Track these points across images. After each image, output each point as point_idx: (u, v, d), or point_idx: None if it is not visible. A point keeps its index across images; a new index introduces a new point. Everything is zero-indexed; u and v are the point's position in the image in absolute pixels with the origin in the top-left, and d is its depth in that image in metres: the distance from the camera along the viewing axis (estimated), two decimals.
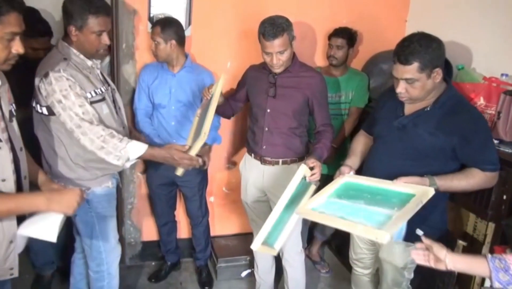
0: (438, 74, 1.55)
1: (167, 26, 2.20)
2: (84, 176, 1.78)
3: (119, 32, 2.35)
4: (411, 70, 1.52)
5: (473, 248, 1.96)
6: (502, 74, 1.96)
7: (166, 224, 2.65)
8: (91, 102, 1.69)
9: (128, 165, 1.72)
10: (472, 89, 1.97)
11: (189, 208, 2.62)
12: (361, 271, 2.07)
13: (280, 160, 2.13)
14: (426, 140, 1.60)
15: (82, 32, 1.67)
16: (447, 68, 2.39)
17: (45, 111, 1.68)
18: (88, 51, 1.73)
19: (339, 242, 2.97)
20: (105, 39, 1.73)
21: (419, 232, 1.69)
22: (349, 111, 2.60)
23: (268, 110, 2.07)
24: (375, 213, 1.38)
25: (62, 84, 1.61)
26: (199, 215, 2.61)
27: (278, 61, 1.93)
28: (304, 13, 2.63)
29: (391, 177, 1.56)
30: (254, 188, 2.24)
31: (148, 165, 2.55)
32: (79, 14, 1.65)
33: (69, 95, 1.62)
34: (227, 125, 2.66)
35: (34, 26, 2.12)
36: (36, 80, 1.66)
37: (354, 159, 1.89)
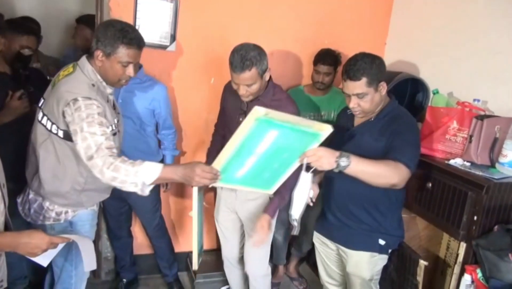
0: (383, 87, 1.74)
1: None
2: (76, 201, 1.74)
3: None
4: (360, 85, 1.69)
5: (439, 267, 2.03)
6: (474, 100, 2.03)
7: (119, 238, 2.63)
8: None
9: (147, 191, 1.54)
10: (446, 113, 2.03)
11: (145, 226, 2.64)
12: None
13: None
14: (371, 145, 1.77)
15: (109, 59, 1.63)
16: (423, 91, 2.50)
17: (60, 134, 1.62)
18: (109, 79, 1.68)
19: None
20: (130, 71, 1.67)
21: (381, 241, 1.83)
22: None
23: None
24: None
25: (91, 111, 1.54)
26: (157, 236, 2.63)
27: (245, 92, 1.86)
28: (286, 36, 2.70)
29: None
30: (225, 207, 2.22)
31: None
32: (110, 41, 1.60)
33: (93, 124, 1.53)
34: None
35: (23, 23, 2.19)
36: (61, 104, 1.57)
37: None
